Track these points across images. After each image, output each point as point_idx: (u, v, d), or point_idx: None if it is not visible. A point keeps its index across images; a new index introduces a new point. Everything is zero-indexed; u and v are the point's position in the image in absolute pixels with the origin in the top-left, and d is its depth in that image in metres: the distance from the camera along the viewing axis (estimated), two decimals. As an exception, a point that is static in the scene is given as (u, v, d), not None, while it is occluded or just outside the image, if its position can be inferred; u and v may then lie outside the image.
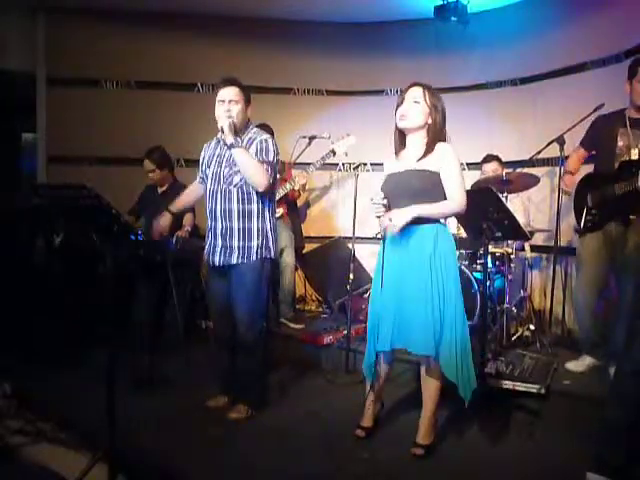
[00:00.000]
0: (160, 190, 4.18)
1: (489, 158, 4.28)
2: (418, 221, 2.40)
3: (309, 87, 5.49)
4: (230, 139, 2.69)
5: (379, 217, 2.43)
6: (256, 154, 2.75)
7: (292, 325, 4.42)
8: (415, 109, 2.43)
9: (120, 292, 3.51)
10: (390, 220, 2.36)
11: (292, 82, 5.45)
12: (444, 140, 2.47)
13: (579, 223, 3.34)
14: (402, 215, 2.35)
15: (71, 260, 3.98)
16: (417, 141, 2.47)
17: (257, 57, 5.23)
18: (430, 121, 2.44)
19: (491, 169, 4.24)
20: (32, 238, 4.09)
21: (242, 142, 2.81)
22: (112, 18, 5.06)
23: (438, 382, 2.47)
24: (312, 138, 4.49)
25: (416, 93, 2.44)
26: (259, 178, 2.69)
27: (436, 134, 2.44)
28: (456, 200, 2.40)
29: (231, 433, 2.65)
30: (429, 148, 2.42)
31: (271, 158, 2.77)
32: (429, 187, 2.40)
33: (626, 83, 3.16)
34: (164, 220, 3.10)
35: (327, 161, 4.30)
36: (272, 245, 2.86)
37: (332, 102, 5.48)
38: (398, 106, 2.48)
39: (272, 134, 3.57)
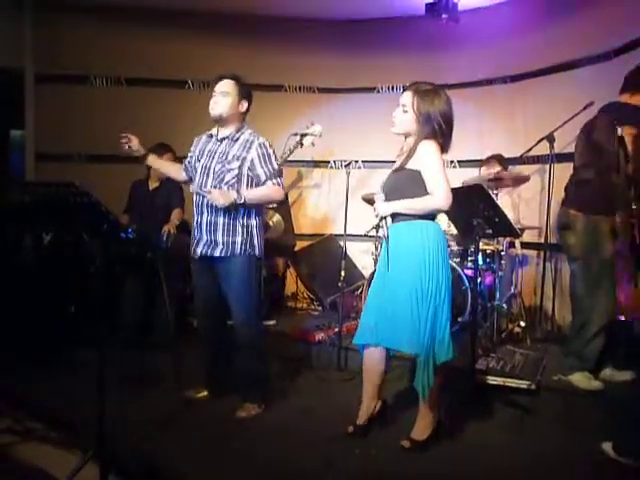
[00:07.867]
0: (152, 187, 4.15)
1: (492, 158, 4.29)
2: (405, 218, 2.43)
3: (300, 84, 5.49)
4: (230, 201, 2.67)
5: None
6: (260, 165, 2.75)
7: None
8: (401, 117, 2.45)
9: (110, 290, 3.50)
10: (374, 209, 2.48)
11: (283, 79, 5.44)
12: (435, 139, 2.41)
13: None
14: (384, 206, 2.45)
15: (61, 259, 3.95)
16: (409, 142, 2.49)
17: (248, 54, 5.20)
18: (416, 128, 2.43)
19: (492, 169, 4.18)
20: (21, 237, 4.05)
21: (235, 141, 2.78)
22: (101, 14, 5.02)
23: (437, 380, 2.43)
24: (303, 136, 4.48)
25: (406, 100, 2.43)
26: (277, 198, 2.89)
27: (423, 137, 2.41)
28: (436, 195, 2.36)
29: (223, 432, 2.64)
30: (414, 148, 2.43)
31: (275, 165, 2.80)
32: (410, 185, 2.41)
33: None
34: (136, 142, 2.99)
35: (294, 153, 3.99)
36: (257, 243, 2.82)
37: (323, 99, 5.47)
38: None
39: None
